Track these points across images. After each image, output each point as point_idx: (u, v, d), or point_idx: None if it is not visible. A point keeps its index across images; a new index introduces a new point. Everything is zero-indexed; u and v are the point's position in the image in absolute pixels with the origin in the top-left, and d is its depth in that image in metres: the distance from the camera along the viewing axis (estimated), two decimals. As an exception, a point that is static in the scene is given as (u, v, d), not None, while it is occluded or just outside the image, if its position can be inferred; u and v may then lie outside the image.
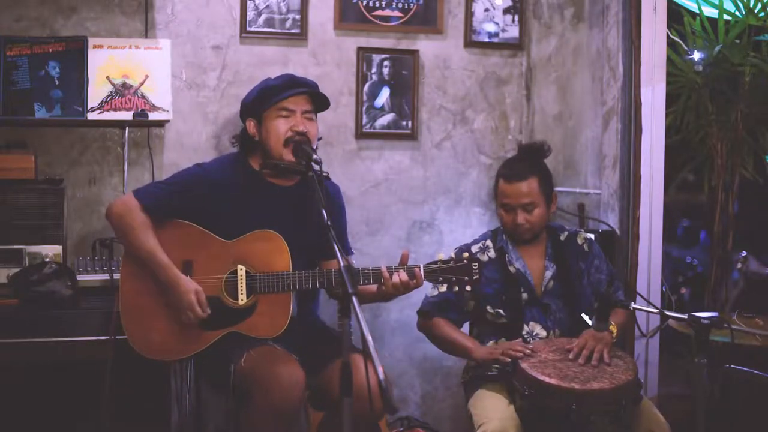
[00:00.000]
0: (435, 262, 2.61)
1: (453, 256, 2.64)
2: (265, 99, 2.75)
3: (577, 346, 2.64)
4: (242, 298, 2.62)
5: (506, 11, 3.72)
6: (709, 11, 3.91)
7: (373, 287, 2.63)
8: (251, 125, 2.79)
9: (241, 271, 2.63)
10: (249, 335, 2.62)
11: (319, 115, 2.86)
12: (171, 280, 2.59)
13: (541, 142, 3.05)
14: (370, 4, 3.57)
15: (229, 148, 3.35)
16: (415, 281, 2.60)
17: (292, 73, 2.94)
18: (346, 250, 2.93)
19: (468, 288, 2.61)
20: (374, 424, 2.92)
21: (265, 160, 2.75)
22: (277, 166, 2.73)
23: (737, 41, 3.84)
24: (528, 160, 2.93)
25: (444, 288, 2.85)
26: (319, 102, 2.83)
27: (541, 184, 2.86)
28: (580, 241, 2.99)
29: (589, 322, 2.77)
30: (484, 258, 2.91)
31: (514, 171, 2.88)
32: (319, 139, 2.91)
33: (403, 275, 2.58)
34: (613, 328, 2.73)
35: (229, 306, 2.63)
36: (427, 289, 2.95)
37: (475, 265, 2.60)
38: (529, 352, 2.62)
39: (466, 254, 2.62)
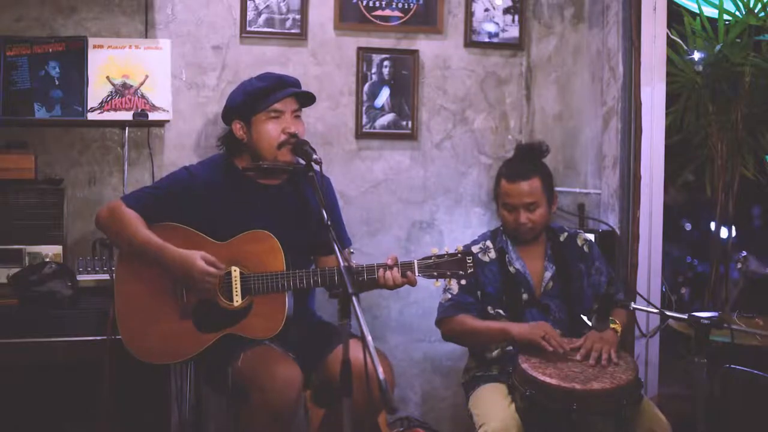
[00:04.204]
0: (429, 257, 2.61)
1: (447, 250, 2.64)
2: (254, 102, 2.74)
3: (584, 348, 2.64)
4: (237, 300, 2.62)
5: (506, 11, 3.72)
6: (709, 11, 3.91)
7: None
8: (238, 127, 2.79)
9: (235, 272, 2.62)
10: (245, 336, 2.62)
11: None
12: (172, 257, 2.57)
13: (539, 141, 3.05)
14: (370, 4, 3.57)
15: (229, 148, 3.37)
16: (405, 280, 2.60)
17: (271, 72, 2.93)
18: (345, 243, 2.93)
19: (463, 282, 2.62)
20: (374, 423, 2.91)
21: (253, 162, 2.75)
22: (258, 167, 2.74)
23: (737, 41, 3.84)
24: (529, 160, 2.93)
25: (440, 283, 2.85)
26: (305, 98, 2.83)
27: (543, 184, 2.87)
28: (579, 242, 2.99)
29: (589, 323, 2.77)
30: (486, 258, 2.91)
31: (516, 171, 2.88)
32: None
33: (396, 274, 2.58)
34: (617, 327, 2.73)
35: (225, 308, 2.63)
36: (431, 293, 2.95)
37: (469, 259, 2.60)
38: (568, 350, 2.63)
39: (459, 247, 2.62)
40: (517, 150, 3.07)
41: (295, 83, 2.85)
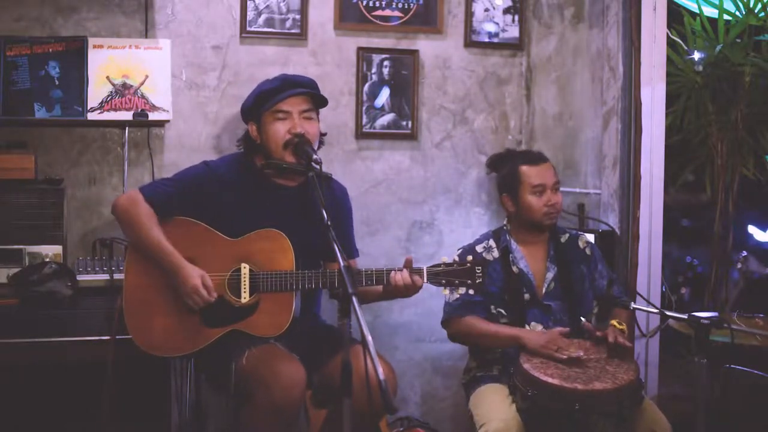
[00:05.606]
0: (438, 265, 2.61)
1: (456, 259, 2.64)
2: (261, 103, 2.76)
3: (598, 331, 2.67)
4: (245, 297, 2.62)
5: (506, 11, 3.72)
6: (709, 11, 3.92)
7: (378, 288, 2.64)
8: (253, 128, 2.81)
9: (245, 269, 2.63)
10: (250, 333, 2.62)
11: (319, 114, 2.87)
12: (175, 266, 2.58)
13: (506, 150, 3.18)
14: (370, 4, 3.57)
15: (229, 148, 3.36)
16: (412, 283, 2.60)
17: (287, 73, 2.94)
18: (351, 253, 2.93)
19: (471, 292, 2.61)
20: (376, 423, 2.91)
21: (266, 161, 2.76)
22: (278, 165, 2.74)
23: (737, 41, 3.84)
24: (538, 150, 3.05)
25: (447, 291, 2.85)
26: (318, 99, 2.83)
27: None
28: (581, 244, 3.00)
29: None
30: (489, 257, 2.91)
31: (536, 154, 2.97)
32: (324, 134, 2.91)
33: (406, 276, 2.58)
34: (624, 327, 2.74)
35: (232, 304, 2.63)
36: (432, 295, 2.94)
37: (478, 269, 2.59)
38: (583, 356, 2.61)
39: (469, 257, 2.61)
40: (499, 157, 3.11)
41: (306, 84, 2.84)
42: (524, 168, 2.90)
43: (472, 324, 2.84)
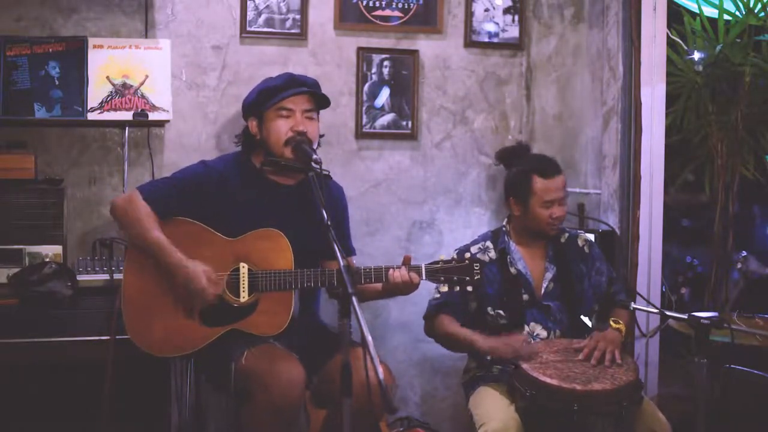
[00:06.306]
0: (437, 262, 2.61)
1: (455, 256, 2.64)
2: (264, 99, 2.77)
3: (587, 347, 2.64)
4: (244, 296, 2.62)
5: (506, 11, 3.72)
6: (709, 11, 3.92)
7: (378, 285, 2.64)
8: (253, 124, 2.80)
9: (244, 268, 2.63)
10: (250, 333, 2.62)
11: (319, 114, 2.88)
12: (178, 265, 2.57)
13: (518, 143, 3.18)
14: (370, 4, 3.57)
15: (229, 148, 3.36)
16: (409, 280, 2.60)
17: (292, 72, 2.95)
18: (348, 251, 2.94)
19: (469, 288, 2.61)
20: (375, 424, 2.92)
21: (266, 158, 2.76)
22: (277, 163, 2.75)
23: (737, 41, 3.85)
24: (547, 158, 3.00)
25: (445, 288, 2.86)
26: (320, 100, 2.84)
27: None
28: (580, 242, 3.00)
29: (589, 324, 2.77)
30: (485, 258, 2.91)
31: (551, 166, 2.91)
32: (322, 136, 2.92)
33: (404, 273, 2.58)
34: (622, 327, 2.74)
35: (231, 303, 2.63)
36: (430, 293, 2.95)
37: (476, 266, 2.60)
38: (536, 350, 2.63)
39: (467, 255, 2.62)
40: (516, 150, 3.09)
41: (310, 84, 2.85)
42: (538, 180, 2.85)
43: (441, 324, 2.88)
